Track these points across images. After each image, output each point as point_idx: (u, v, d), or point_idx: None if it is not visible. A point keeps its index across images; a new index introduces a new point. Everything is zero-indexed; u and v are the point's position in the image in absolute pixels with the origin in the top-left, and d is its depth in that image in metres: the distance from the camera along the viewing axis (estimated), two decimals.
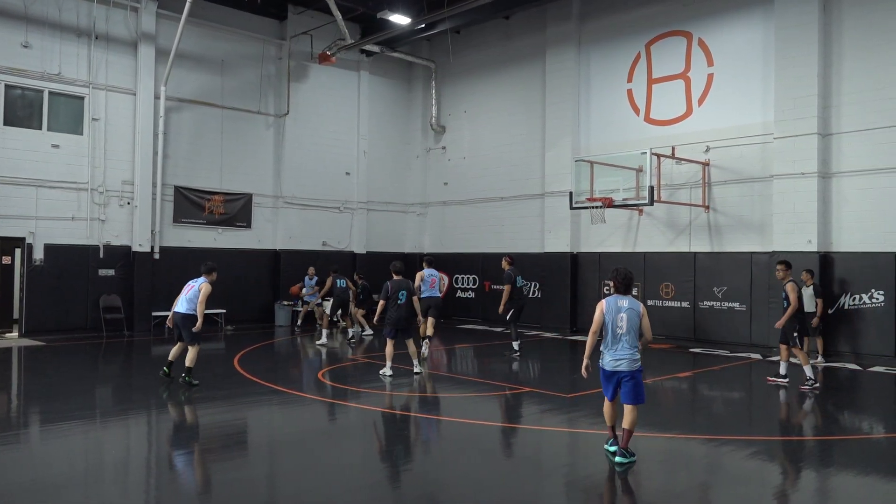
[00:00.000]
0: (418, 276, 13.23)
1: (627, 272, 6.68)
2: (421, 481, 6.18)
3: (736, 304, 14.97)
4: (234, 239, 18.72)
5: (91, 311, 16.23)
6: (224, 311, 17.97)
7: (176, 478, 6.21)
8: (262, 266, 19.17)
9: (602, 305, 6.58)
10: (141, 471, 6.53)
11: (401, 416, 8.50)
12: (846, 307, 13.52)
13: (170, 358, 10.28)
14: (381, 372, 10.96)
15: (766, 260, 14.45)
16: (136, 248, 16.87)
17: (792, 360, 11.02)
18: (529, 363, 12.95)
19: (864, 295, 13.35)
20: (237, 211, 18.72)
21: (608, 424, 6.70)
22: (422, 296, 12.77)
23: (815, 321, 12.74)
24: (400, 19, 17.53)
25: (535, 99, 19.16)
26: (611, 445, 6.64)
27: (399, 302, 10.77)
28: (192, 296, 10.09)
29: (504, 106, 20.03)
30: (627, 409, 6.42)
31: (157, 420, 8.55)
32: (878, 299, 13.17)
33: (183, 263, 17.55)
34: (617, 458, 6.42)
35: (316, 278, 18.50)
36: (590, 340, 6.61)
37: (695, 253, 15.70)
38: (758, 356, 13.66)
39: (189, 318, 9.94)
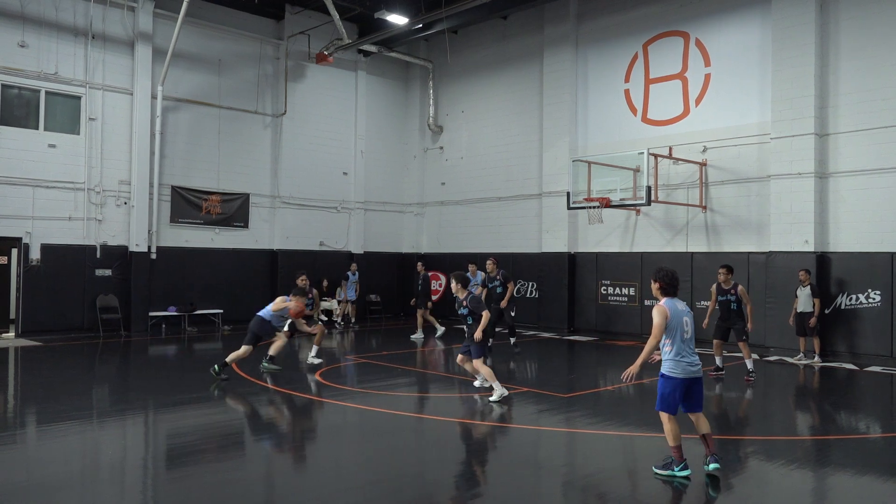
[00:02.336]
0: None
1: (674, 273, 6.25)
2: (418, 481, 6.17)
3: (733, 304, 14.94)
4: (232, 239, 18.70)
5: (88, 311, 16.20)
6: (221, 311, 17.95)
7: (172, 478, 6.20)
8: (259, 266, 19.15)
9: (666, 311, 6.00)
10: (137, 471, 6.51)
11: (397, 416, 8.49)
12: (843, 307, 13.54)
13: (271, 352, 11.15)
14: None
15: (763, 260, 14.47)
16: (132, 248, 16.84)
17: (745, 356, 11.29)
18: (527, 363, 12.95)
19: (860, 295, 13.37)
20: (234, 211, 18.70)
21: (673, 444, 6.02)
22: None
23: (812, 321, 12.78)
24: (397, 19, 17.53)
25: (532, 99, 19.17)
26: (681, 470, 6.00)
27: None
28: (274, 307, 10.95)
29: (501, 106, 20.04)
30: (699, 416, 6.12)
31: (154, 420, 8.53)
32: (874, 299, 13.19)
33: (180, 263, 17.57)
34: (712, 465, 6.02)
35: (357, 273, 19.53)
36: (650, 345, 6.03)
37: (692, 253, 15.72)
38: (755, 356, 13.66)
39: (264, 324, 10.74)
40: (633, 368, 6.14)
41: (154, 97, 17.02)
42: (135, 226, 16.84)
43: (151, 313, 16.96)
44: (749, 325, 11.15)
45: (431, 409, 9.39)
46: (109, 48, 16.61)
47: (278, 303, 10.88)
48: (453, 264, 20.63)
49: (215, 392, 9.72)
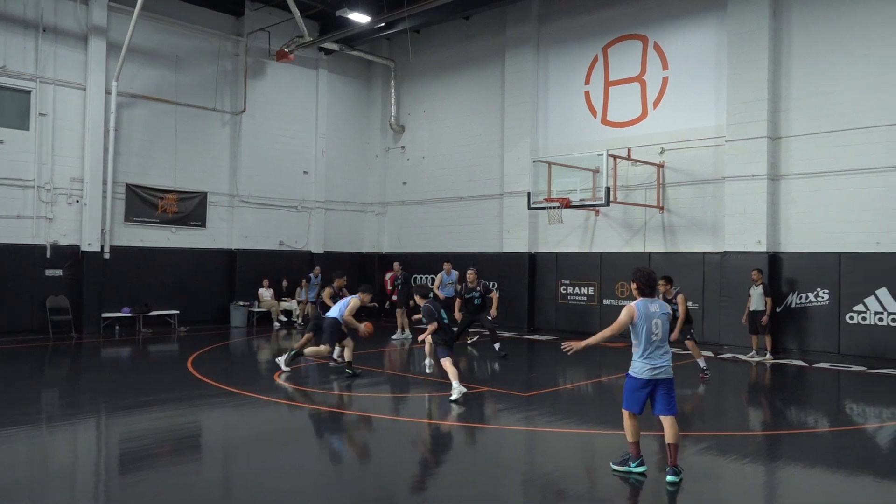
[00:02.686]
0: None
1: (651, 273, 6.22)
2: (379, 482, 6.14)
3: (689, 303, 15.23)
4: (189, 238, 18.36)
5: (37, 312, 15.70)
6: (178, 312, 17.61)
7: (126, 484, 6.06)
8: (217, 266, 18.84)
9: (633, 312, 6.00)
10: (90, 477, 6.35)
11: (357, 417, 8.44)
12: (793, 306, 13.93)
13: (348, 358, 11.27)
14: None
15: (718, 260, 14.80)
16: (85, 248, 16.39)
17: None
18: (487, 362, 13.01)
19: (810, 294, 13.77)
20: (192, 210, 18.36)
21: (631, 441, 6.12)
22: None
23: (764, 319, 13.12)
24: (359, 18, 17.43)
25: (494, 99, 19.26)
26: (637, 466, 6.09)
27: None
28: (342, 306, 11.25)
29: (464, 106, 20.09)
30: (668, 421, 6.01)
31: (107, 424, 8.32)
32: (823, 298, 13.60)
33: (135, 263, 17.18)
34: (669, 478, 5.91)
35: (320, 276, 19.11)
36: (600, 336, 6.16)
37: (650, 253, 15.98)
38: (710, 353, 13.97)
39: (338, 325, 11.15)
40: (577, 345, 6.25)
41: (108, 93, 16.60)
42: (87, 225, 16.40)
43: (104, 314, 16.54)
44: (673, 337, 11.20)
45: (392, 409, 9.36)
46: (61, 41, 16.15)
47: (354, 304, 11.20)
48: (415, 264, 20.67)
49: (340, 385, 10.40)
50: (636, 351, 6.08)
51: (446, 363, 9.36)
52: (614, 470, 6.18)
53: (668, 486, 5.90)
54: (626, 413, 6.14)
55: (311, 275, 19.17)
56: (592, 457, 7.08)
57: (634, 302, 6.13)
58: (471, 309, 13.71)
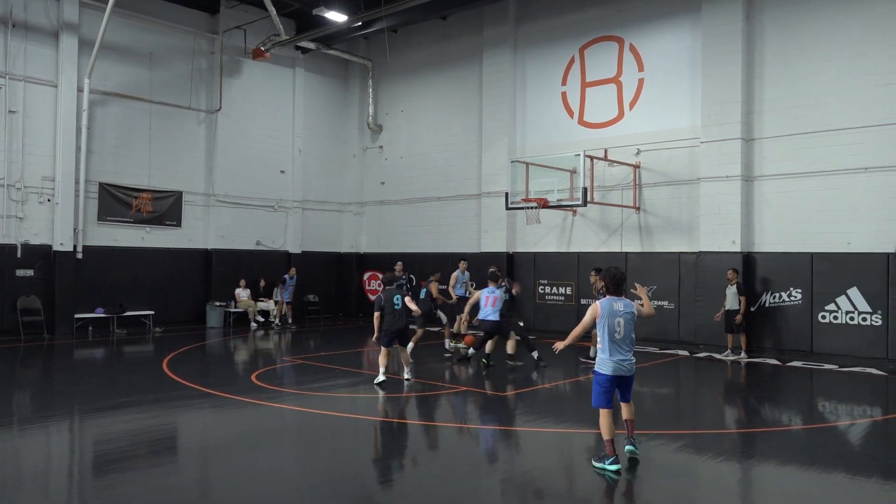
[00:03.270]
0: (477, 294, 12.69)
1: (618, 272, 6.41)
2: (357, 482, 6.12)
3: (665, 303, 15.44)
4: (164, 238, 18.13)
5: (8, 313, 15.40)
6: (153, 312, 17.39)
7: (100, 486, 5.96)
8: (192, 266, 18.63)
9: (597, 310, 6.26)
10: (62, 480, 6.24)
11: (335, 417, 8.40)
12: (767, 305, 14.14)
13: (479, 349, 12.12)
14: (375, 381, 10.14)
15: (694, 260, 14.97)
16: (57, 248, 16.11)
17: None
18: (466, 362, 13.01)
19: (783, 293, 13.99)
20: (166, 209, 18.13)
21: (607, 438, 6.19)
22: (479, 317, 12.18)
23: (738, 318, 13.29)
24: (336, 16, 17.34)
25: (471, 100, 19.29)
26: (611, 464, 6.12)
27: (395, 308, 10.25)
28: (497, 305, 11.84)
29: (441, 106, 20.09)
30: (625, 405, 6.54)
31: (80, 427, 8.19)
32: (796, 297, 13.82)
33: (109, 263, 16.93)
34: (628, 447, 6.46)
35: (295, 278, 19.17)
36: (573, 335, 6.63)
37: (626, 253, 16.12)
38: (685, 353, 14.13)
39: (498, 324, 11.85)
40: (562, 344, 6.73)
41: (80, 90, 16.32)
42: (59, 224, 16.11)
43: (77, 315, 16.27)
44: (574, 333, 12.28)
45: (371, 409, 9.32)
46: (32, 38, 15.84)
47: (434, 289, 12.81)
48: (394, 264, 20.58)
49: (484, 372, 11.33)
50: (601, 347, 6.33)
51: (382, 354, 10.13)
52: (594, 466, 6.27)
53: (627, 454, 6.43)
54: (601, 411, 6.30)
55: (287, 276, 19.05)
56: (570, 456, 7.12)
57: (600, 301, 6.41)
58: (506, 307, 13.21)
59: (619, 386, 6.41)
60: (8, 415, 8.53)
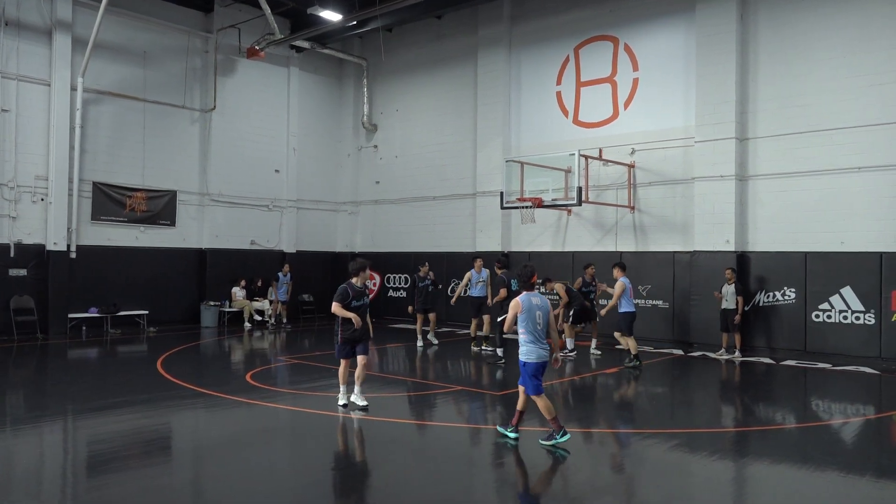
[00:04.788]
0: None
1: (526, 270, 7.06)
2: (351, 483, 6.12)
3: (660, 302, 15.46)
4: (158, 237, 18.08)
5: (1, 313, 15.32)
6: (147, 312, 17.33)
7: (93, 486, 5.94)
8: (187, 266, 18.58)
9: (518, 305, 6.86)
10: (55, 480, 6.21)
11: (330, 417, 8.39)
12: (761, 304, 14.18)
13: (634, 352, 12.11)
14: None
15: (688, 259, 15.00)
16: (50, 247, 16.04)
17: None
18: (460, 362, 13.02)
19: (777, 292, 14.03)
20: (161, 208, 18.08)
21: (550, 417, 6.82)
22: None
23: (736, 318, 13.30)
24: (331, 15, 17.30)
25: (466, 99, 19.28)
26: (561, 437, 6.79)
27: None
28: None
29: (436, 105, 20.08)
30: (524, 393, 6.99)
31: (74, 427, 8.16)
32: (789, 296, 13.87)
33: (102, 263, 16.87)
34: (510, 432, 7.04)
35: (290, 274, 19.17)
36: (505, 329, 7.22)
37: (621, 252, 16.13)
38: (680, 352, 14.16)
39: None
40: (557, 354, 7.27)
41: (74, 89, 16.26)
42: (53, 223, 16.04)
43: (71, 315, 16.21)
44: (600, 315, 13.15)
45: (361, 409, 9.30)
46: (24, 36, 15.77)
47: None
48: (390, 264, 20.63)
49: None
50: (525, 338, 6.87)
51: (341, 366, 8.52)
52: (542, 444, 6.82)
53: (511, 442, 6.93)
54: (537, 397, 6.85)
55: (280, 273, 19.01)
56: (565, 455, 7.12)
57: (520, 297, 6.95)
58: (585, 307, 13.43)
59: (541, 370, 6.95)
60: (1, 415, 8.49)
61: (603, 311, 13.25)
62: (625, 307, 12.48)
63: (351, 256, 21.63)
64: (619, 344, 13.06)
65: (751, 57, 14.55)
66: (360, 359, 8.39)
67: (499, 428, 7.28)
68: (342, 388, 8.57)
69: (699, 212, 14.84)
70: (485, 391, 10.09)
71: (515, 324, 6.90)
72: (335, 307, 8.21)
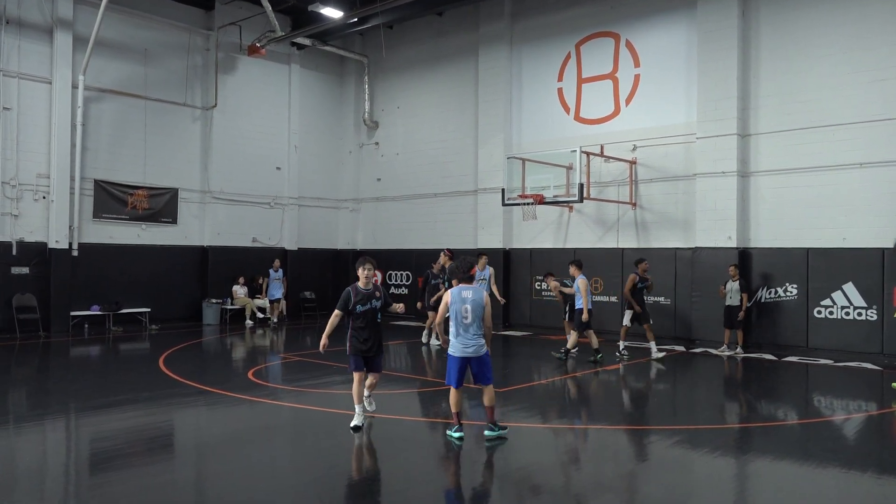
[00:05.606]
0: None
1: (468, 263, 7.10)
2: (351, 479, 6.12)
3: (661, 299, 15.46)
4: (159, 235, 18.09)
5: (3, 311, 15.36)
6: (149, 309, 17.36)
7: (95, 484, 5.95)
8: (188, 263, 18.60)
9: (447, 297, 6.95)
10: (58, 478, 6.23)
11: (331, 414, 8.40)
12: (763, 300, 14.17)
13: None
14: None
15: (690, 255, 14.99)
16: (52, 245, 16.06)
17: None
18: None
19: (779, 289, 14.02)
20: (162, 206, 18.09)
21: (454, 411, 6.98)
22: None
23: (741, 314, 13.26)
24: (332, 12, 17.29)
25: (467, 96, 19.27)
26: (455, 432, 6.93)
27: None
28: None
29: (437, 102, 20.06)
30: (485, 389, 7.00)
31: (76, 424, 8.18)
32: (791, 292, 13.85)
33: (104, 261, 16.89)
34: (486, 432, 6.96)
35: (281, 270, 18.73)
36: (437, 321, 7.21)
37: (622, 249, 16.13)
38: (682, 348, 14.15)
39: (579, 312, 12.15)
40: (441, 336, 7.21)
41: (75, 87, 16.26)
42: (54, 221, 16.06)
43: (73, 313, 16.24)
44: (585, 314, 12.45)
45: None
46: (25, 34, 15.77)
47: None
48: (391, 261, 20.63)
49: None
50: (452, 331, 6.92)
51: (355, 381, 7.38)
52: (448, 435, 6.96)
53: (485, 440, 6.89)
54: (452, 389, 6.96)
55: (271, 269, 18.82)
56: (567, 451, 7.13)
57: (452, 289, 7.04)
58: (639, 300, 12.86)
59: (473, 368, 6.91)
60: (4, 413, 8.51)
61: (585, 316, 12.19)
62: (581, 304, 12.22)
63: (352, 254, 21.67)
64: (648, 341, 12.82)
65: (752, 53, 14.51)
66: (371, 376, 7.54)
67: (447, 431, 7.10)
68: (357, 409, 7.34)
69: (701, 208, 14.82)
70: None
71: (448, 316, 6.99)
72: (332, 317, 7.32)
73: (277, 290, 18.75)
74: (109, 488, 5.73)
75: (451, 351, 6.96)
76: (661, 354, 12.84)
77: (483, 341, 6.92)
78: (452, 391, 6.98)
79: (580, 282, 12.23)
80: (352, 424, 7.28)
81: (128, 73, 17.47)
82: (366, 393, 7.65)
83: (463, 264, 7.10)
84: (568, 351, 12.38)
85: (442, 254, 13.59)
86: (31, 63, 15.84)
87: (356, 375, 7.36)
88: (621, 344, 12.94)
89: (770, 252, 14.20)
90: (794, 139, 13.94)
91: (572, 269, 12.58)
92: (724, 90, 14.51)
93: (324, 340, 7.30)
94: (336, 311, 7.27)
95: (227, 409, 8.80)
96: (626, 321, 12.93)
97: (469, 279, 7.04)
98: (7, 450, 7.01)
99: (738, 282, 13.38)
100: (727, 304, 13.46)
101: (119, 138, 17.33)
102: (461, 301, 6.86)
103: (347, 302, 7.25)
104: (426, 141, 20.28)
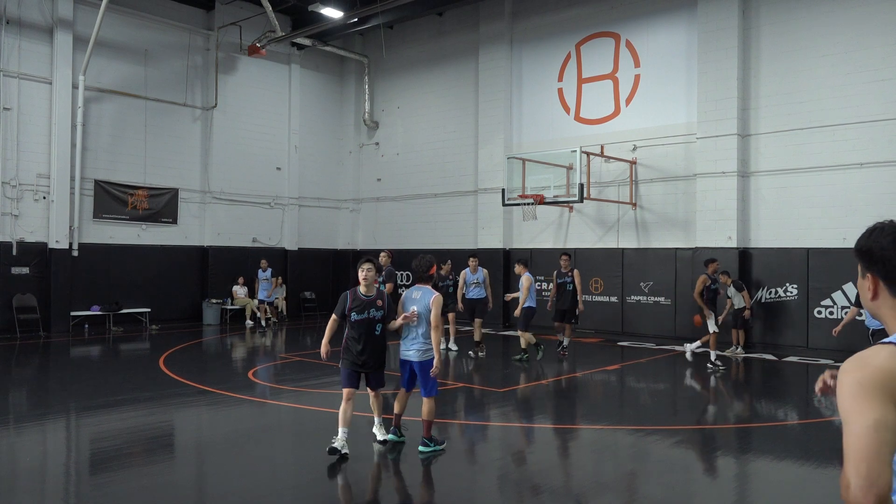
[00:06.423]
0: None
1: (426, 262, 6.71)
2: (354, 478, 6.12)
3: (661, 299, 15.46)
4: (160, 235, 18.09)
5: (4, 311, 15.35)
6: (149, 310, 17.36)
7: (96, 484, 5.96)
8: (189, 263, 18.60)
9: (401, 297, 6.77)
10: (59, 478, 6.23)
11: (331, 415, 8.39)
12: (763, 300, 14.17)
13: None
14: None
15: (690, 256, 14.99)
16: (52, 245, 16.06)
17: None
18: (462, 359, 13.03)
19: (779, 289, 14.02)
20: (162, 206, 18.09)
21: (395, 412, 6.79)
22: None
23: (746, 313, 13.18)
24: (332, 13, 17.30)
25: (468, 96, 19.27)
26: (390, 432, 6.75)
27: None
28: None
29: (437, 102, 20.06)
30: (424, 402, 6.51)
31: (77, 425, 8.18)
32: (791, 293, 13.85)
33: (104, 261, 16.89)
34: (420, 448, 6.47)
35: (270, 270, 18.53)
36: (394, 324, 6.59)
37: (622, 249, 16.13)
38: (682, 348, 14.13)
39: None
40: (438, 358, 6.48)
41: (75, 87, 16.26)
42: (55, 221, 16.06)
43: (73, 313, 16.24)
44: (580, 307, 12.74)
45: (366, 406, 9.31)
46: (25, 34, 15.77)
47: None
48: (392, 261, 20.54)
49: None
50: (402, 333, 6.61)
51: (343, 400, 6.53)
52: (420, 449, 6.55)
53: (419, 454, 6.41)
54: (399, 392, 6.81)
55: (260, 269, 18.53)
56: (567, 451, 7.13)
57: (409, 289, 6.80)
58: (564, 299, 12.76)
59: (417, 376, 6.53)
60: (4, 413, 8.51)
61: (517, 311, 12.20)
62: (527, 302, 12.09)
63: (353, 254, 21.67)
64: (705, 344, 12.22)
65: (752, 53, 14.52)
66: (371, 394, 6.85)
67: (421, 447, 6.52)
68: (339, 432, 6.34)
69: (701, 208, 14.82)
70: (492, 389, 10.09)
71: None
72: (330, 321, 6.70)
73: (263, 292, 18.32)
74: (110, 488, 5.73)
75: (400, 352, 6.69)
76: (741, 353, 13.17)
77: (429, 346, 6.37)
78: (400, 391, 6.84)
79: (524, 280, 12.15)
80: (329, 446, 6.25)
81: (128, 73, 17.48)
82: (376, 420, 6.87)
83: (422, 263, 6.68)
84: (524, 351, 12.26)
85: (382, 253, 12.36)
86: (31, 63, 15.84)
87: (345, 392, 6.46)
88: (712, 354, 11.83)
89: (770, 252, 14.19)
90: (795, 139, 13.94)
91: (518, 268, 12.49)
92: (725, 90, 14.51)
93: (324, 347, 6.57)
94: (333, 316, 6.64)
95: (228, 408, 8.80)
96: (712, 327, 11.80)
97: (428, 279, 6.68)
98: (8, 449, 7.01)
99: (732, 285, 13.26)
100: (735, 307, 13.24)
101: (119, 138, 17.33)
102: (411, 302, 6.56)
103: (341, 307, 6.54)
104: (426, 141, 20.28)
